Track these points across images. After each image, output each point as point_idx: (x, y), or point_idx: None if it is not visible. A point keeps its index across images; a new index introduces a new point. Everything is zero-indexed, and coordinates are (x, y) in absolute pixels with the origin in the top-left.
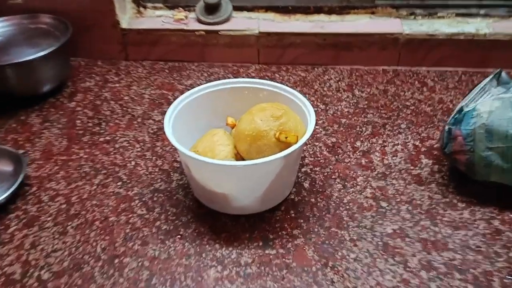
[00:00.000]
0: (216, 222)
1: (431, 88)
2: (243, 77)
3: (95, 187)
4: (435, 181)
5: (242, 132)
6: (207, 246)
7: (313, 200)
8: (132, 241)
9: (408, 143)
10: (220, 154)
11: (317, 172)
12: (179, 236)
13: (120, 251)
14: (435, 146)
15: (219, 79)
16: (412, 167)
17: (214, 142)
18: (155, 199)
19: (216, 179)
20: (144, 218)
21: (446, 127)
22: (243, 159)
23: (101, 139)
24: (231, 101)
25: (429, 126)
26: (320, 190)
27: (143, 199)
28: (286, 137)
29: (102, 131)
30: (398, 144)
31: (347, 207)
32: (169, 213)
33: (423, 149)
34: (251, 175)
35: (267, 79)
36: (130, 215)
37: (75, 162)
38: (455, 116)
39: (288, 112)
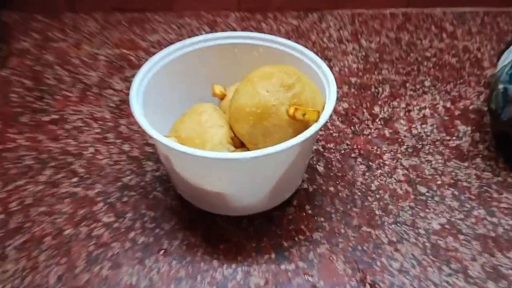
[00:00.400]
0: (210, 228)
1: (452, 34)
2: (222, 29)
3: (41, 186)
4: (479, 154)
5: (242, 109)
6: (202, 264)
7: (332, 189)
8: (99, 263)
9: (437, 106)
10: (212, 139)
11: (332, 150)
12: (163, 252)
13: (83, 280)
14: (470, 107)
15: (192, 33)
16: (448, 137)
17: (202, 124)
18: (125, 199)
19: (209, 175)
20: (113, 228)
21: (500, 86)
22: (242, 144)
23: (46, 119)
24: (216, 64)
25: (458, 82)
26: (339, 174)
27: (109, 200)
28: (304, 114)
29: (46, 107)
30: (425, 108)
31: (377, 196)
32: (146, 218)
33: (456, 112)
34: (259, 168)
35: (252, 31)
36: (93, 225)
37: (12, 152)
38: (510, 72)
39: (301, 77)
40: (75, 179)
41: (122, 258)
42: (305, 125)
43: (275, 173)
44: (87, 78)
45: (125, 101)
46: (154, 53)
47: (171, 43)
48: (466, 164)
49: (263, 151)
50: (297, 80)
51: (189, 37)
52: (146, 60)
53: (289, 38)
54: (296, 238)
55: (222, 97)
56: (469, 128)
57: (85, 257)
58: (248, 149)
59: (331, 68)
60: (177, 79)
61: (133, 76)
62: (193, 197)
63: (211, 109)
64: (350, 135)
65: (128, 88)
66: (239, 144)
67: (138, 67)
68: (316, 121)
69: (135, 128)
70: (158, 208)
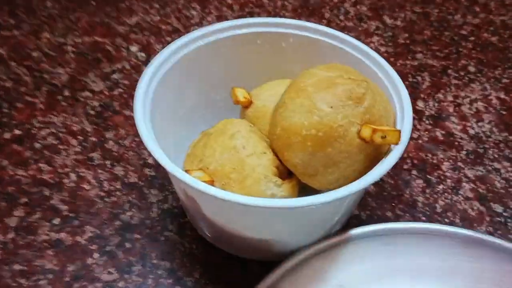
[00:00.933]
0: (246, 278)
1: (484, 7)
2: (216, 6)
3: (12, 234)
4: None
5: (296, 132)
6: None
7: (389, 214)
8: None
9: (490, 97)
10: (253, 173)
11: None
12: None
13: None
14: None
15: (180, 13)
16: (511, 136)
17: (238, 151)
18: (128, 245)
19: (253, 223)
20: None
21: None
22: (289, 173)
23: (7, 136)
24: (236, 59)
25: (506, 66)
26: (394, 193)
27: (107, 248)
28: (384, 137)
29: (5, 119)
30: (476, 100)
31: (446, 220)
32: (160, 271)
33: None
34: (321, 210)
35: (252, 9)
36: (91, 287)
37: None
38: None
39: (369, 83)
40: (56, 221)
41: None
42: (377, 148)
43: (337, 211)
44: (54, 77)
45: (109, 106)
46: (135, 40)
47: (154, 26)
48: None
49: (337, 194)
50: (367, 88)
51: (176, 17)
52: (126, 49)
53: (299, 17)
54: None
55: (248, 104)
56: None
57: None
58: (298, 180)
59: None
60: (187, 85)
61: (113, 71)
62: (223, 242)
63: (246, 129)
64: None
65: (109, 88)
66: (286, 174)
67: (117, 59)
68: (396, 143)
69: (127, 144)
70: (174, 255)
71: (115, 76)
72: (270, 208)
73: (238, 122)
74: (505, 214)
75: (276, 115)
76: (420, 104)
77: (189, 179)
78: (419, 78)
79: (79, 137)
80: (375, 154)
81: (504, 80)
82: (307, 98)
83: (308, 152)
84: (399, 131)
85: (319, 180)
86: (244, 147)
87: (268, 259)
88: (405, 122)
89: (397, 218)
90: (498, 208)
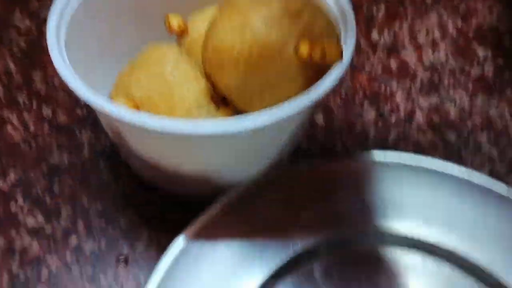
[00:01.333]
0: (184, 216)
1: None
2: None
3: None
4: (509, 84)
5: (227, 52)
6: None
7: (340, 146)
8: None
9: (446, 26)
10: (184, 101)
11: (329, 94)
12: (123, 260)
13: None
14: (485, 26)
15: None
16: (467, 65)
17: (166, 78)
18: (56, 189)
19: (188, 156)
20: (45, 235)
21: None
22: (224, 100)
23: None
24: None
25: None
26: (346, 126)
27: (33, 192)
28: (324, 54)
29: None
30: (433, 29)
31: (398, 150)
32: (91, 214)
33: (470, 32)
34: (264, 136)
35: None
36: (15, 233)
37: None
38: None
39: (309, 0)
40: None
41: (64, 279)
42: (319, 71)
43: (282, 137)
44: None
45: (36, 45)
46: None
47: None
48: (495, 98)
49: (275, 112)
50: (305, 2)
51: None
52: None
53: None
54: None
55: (182, 33)
56: (489, 51)
57: (8, 282)
58: (234, 108)
59: None
60: (113, 9)
61: (42, 7)
62: (158, 179)
63: (175, 54)
64: (349, 72)
65: (38, 26)
66: (221, 102)
67: None
68: (338, 59)
69: (57, 83)
70: (107, 197)
71: (45, 12)
72: (202, 137)
73: (167, 47)
74: (458, 142)
75: (207, 36)
76: (375, 35)
77: (108, 107)
78: (374, 8)
79: (2, 77)
80: (317, 77)
81: (462, 9)
82: (239, 14)
83: (242, 75)
84: (340, 46)
85: (256, 106)
86: (172, 74)
87: (208, 194)
88: (349, 42)
89: (347, 151)
90: (452, 137)
